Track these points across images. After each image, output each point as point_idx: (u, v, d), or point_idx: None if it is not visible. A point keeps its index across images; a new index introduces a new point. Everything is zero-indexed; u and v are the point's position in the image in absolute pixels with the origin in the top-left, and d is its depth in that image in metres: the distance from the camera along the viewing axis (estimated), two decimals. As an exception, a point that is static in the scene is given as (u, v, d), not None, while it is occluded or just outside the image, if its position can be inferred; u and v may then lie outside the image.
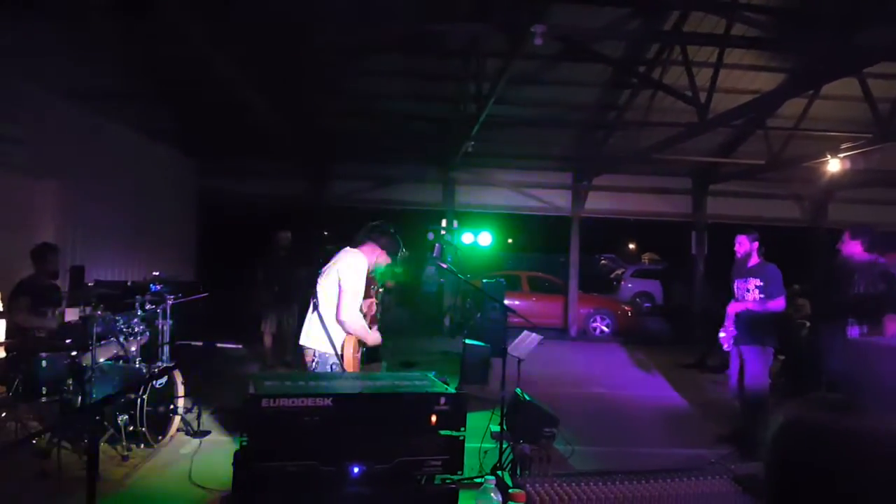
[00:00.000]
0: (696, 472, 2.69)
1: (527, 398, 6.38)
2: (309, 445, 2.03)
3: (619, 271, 23.06)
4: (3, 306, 6.61)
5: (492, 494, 2.00)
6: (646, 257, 34.27)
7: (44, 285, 6.26)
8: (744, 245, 6.30)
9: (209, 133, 13.93)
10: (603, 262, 26.79)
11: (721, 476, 2.63)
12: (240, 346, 6.07)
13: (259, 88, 9.24)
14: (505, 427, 5.72)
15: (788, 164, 11.94)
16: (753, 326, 6.00)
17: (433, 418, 2.14)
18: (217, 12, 7.13)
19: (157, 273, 6.97)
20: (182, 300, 6.82)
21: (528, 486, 2.36)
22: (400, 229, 5.10)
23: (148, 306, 6.59)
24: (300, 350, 4.84)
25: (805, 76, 9.35)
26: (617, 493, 2.41)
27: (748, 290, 6.19)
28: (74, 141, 9.40)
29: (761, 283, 6.09)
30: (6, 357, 5.63)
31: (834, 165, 10.36)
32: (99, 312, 5.75)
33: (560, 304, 15.65)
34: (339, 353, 4.63)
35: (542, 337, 7.57)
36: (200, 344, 5.95)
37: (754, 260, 6.26)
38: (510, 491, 2.07)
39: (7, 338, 6.02)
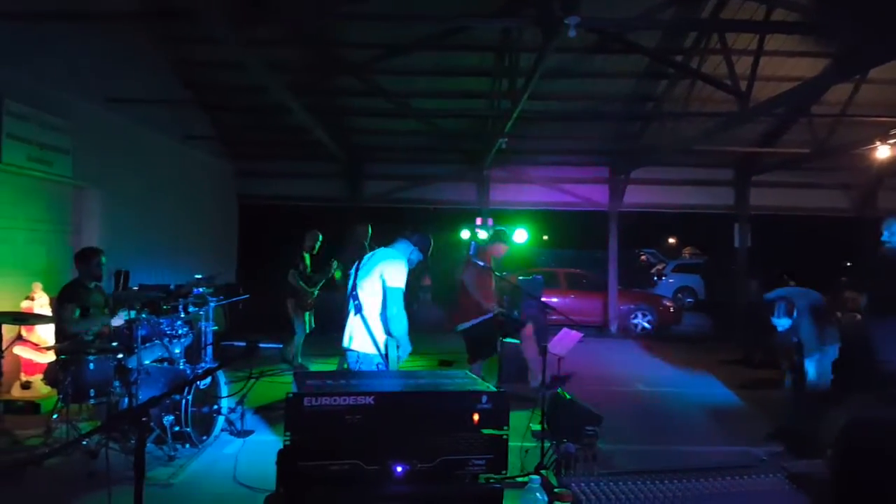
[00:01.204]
0: (747, 469, 2.61)
1: (567, 397, 6.30)
2: (351, 444, 2.01)
3: (659, 266, 22.71)
4: (52, 311, 6.76)
5: (537, 494, 1.96)
6: (686, 251, 33.72)
7: (88, 289, 6.36)
8: None
9: (246, 137, 14.15)
10: (643, 257, 26.39)
11: (774, 474, 2.54)
12: (281, 346, 6.14)
13: (292, 91, 9.31)
14: (546, 426, 5.64)
15: (835, 151, 11.61)
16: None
17: (475, 417, 2.11)
18: (249, 17, 7.19)
19: (199, 276, 7.05)
20: (224, 302, 6.91)
21: (573, 485, 2.31)
22: (434, 228, 5.11)
23: (191, 308, 6.69)
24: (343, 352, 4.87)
25: (850, 60, 9.05)
26: (666, 492, 2.34)
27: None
28: (116, 148, 9.61)
29: None
30: (56, 360, 5.74)
31: (883, 152, 10.06)
32: (143, 315, 5.85)
33: (600, 301, 15.46)
34: (384, 353, 4.64)
35: (582, 334, 7.48)
36: (243, 344, 6.06)
37: None
38: (556, 490, 2.02)
39: (55, 341, 6.16)
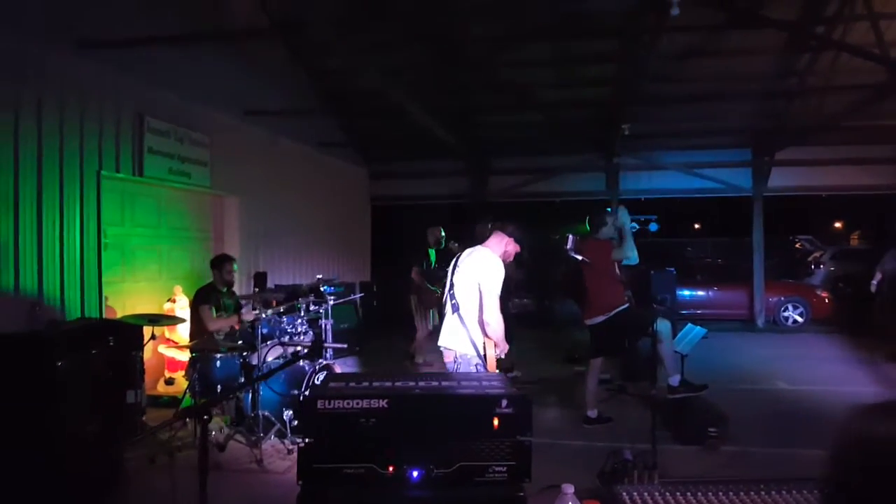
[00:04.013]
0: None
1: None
2: (366, 448, 2.00)
3: (816, 254, 20.89)
4: (190, 312, 7.33)
5: (570, 503, 1.85)
6: (854, 237, 30.94)
7: (221, 292, 6.83)
8: None
9: (376, 141, 14.59)
10: (798, 244, 24.36)
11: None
12: (344, 346, 6.30)
13: (413, 92, 9.49)
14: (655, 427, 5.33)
15: None
16: None
17: (495, 421, 2.03)
18: (361, 25, 7.39)
19: (321, 276, 7.36)
20: (340, 301, 7.17)
21: (624, 493, 2.17)
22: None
23: (312, 307, 6.99)
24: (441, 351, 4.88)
25: None
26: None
27: None
28: (252, 157, 10.21)
29: None
30: (190, 358, 6.21)
31: None
32: (264, 315, 6.18)
33: (746, 293, 14.46)
34: (482, 353, 4.60)
35: (706, 330, 7.09)
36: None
37: None
38: (585, 500, 1.90)
39: (190, 340, 6.67)
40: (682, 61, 10.58)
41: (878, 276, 9.70)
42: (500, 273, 4.64)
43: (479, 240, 4.97)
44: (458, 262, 4.88)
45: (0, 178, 5.87)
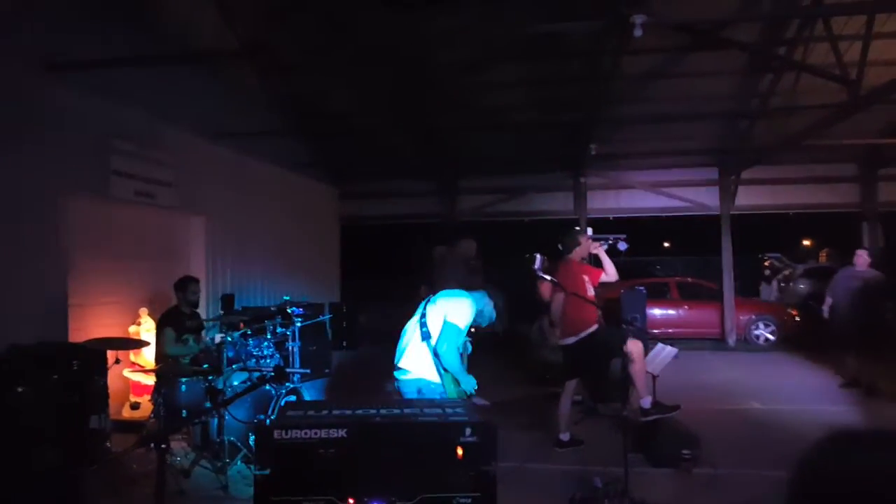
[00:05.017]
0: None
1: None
2: (325, 479, 1.94)
3: (786, 272, 21.14)
4: (155, 335, 7.17)
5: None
6: (823, 254, 31.42)
7: (185, 314, 6.70)
8: None
9: (347, 161, 14.55)
10: (767, 262, 24.63)
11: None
12: (308, 371, 6.25)
13: (384, 114, 9.47)
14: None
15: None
16: None
17: (459, 450, 1.97)
18: (330, 47, 7.36)
19: (288, 297, 7.26)
20: (308, 322, 7.07)
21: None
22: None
23: (279, 329, 6.87)
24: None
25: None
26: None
27: None
28: (220, 178, 10.10)
29: None
30: (155, 382, 6.06)
31: None
32: (229, 338, 6.07)
33: (716, 312, 14.56)
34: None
35: (677, 350, 7.05)
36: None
37: None
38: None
39: (155, 364, 6.52)
40: (648, 82, 10.73)
41: (829, 300, 9.32)
42: (468, 313, 4.71)
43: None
44: (436, 296, 4.89)
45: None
